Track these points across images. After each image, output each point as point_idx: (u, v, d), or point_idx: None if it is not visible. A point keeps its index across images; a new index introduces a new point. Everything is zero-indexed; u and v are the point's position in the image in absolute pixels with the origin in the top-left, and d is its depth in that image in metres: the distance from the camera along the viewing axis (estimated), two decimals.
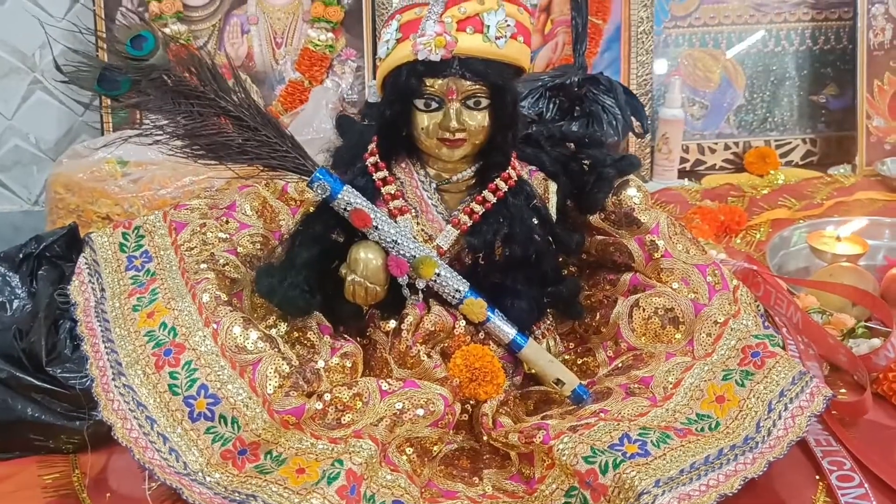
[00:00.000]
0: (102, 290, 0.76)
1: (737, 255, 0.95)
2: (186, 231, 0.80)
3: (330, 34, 1.27)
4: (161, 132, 0.67)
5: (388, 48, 0.69)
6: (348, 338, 0.73)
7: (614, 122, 1.07)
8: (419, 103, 0.69)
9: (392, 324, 0.73)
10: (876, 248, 1.05)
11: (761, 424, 0.64)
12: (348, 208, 0.69)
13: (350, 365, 0.71)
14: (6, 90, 1.40)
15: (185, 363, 0.65)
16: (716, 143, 1.38)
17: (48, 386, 0.69)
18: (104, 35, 1.09)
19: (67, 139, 1.44)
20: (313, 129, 1.09)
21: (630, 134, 1.13)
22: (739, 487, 0.59)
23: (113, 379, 0.66)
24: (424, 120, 0.69)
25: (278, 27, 1.30)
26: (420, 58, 0.66)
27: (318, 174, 0.69)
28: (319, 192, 0.69)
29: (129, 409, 0.64)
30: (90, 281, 0.77)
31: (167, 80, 0.67)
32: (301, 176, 0.70)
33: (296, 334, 0.72)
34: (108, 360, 0.67)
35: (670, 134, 1.28)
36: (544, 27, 1.29)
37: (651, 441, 0.61)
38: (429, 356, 0.70)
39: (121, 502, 0.65)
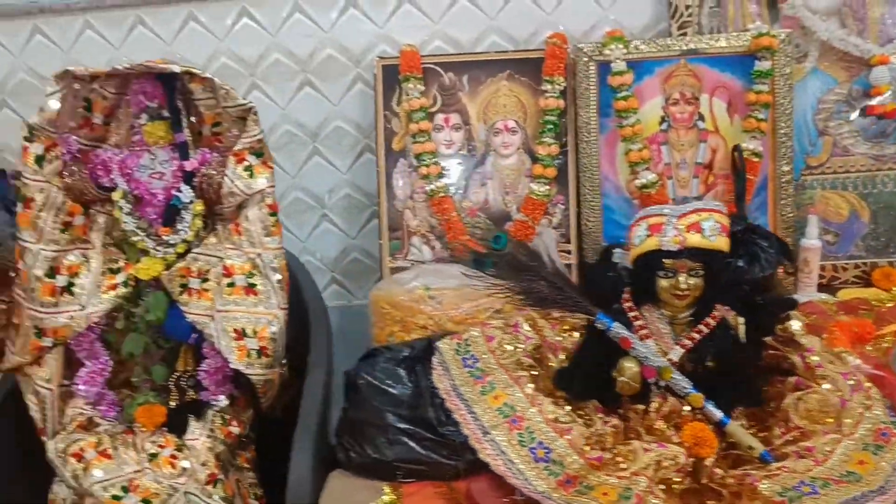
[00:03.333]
0: (452, 379, 1.24)
1: (868, 360, 1.32)
2: (495, 341, 1.27)
3: (548, 187, 1.74)
4: (510, 291, 1.15)
5: (640, 239, 1.15)
6: (612, 414, 1.17)
7: (768, 260, 1.48)
8: (660, 273, 1.14)
9: (640, 407, 1.16)
10: None
11: (889, 479, 1.03)
12: (617, 336, 1.14)
13: (612, 430, 1.15)
14: (304, 222, 1.95)
15: (526, 428, 1.11)
16: (847, 264, 1.76)
17: (437, 439, 1.16)
18: None
19: (342, 256, 1.98)
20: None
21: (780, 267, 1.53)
22: None
23: (483, 436, 1.12)
24: (664, 283, 1.14)
25: (508, 181, 1.78)
26: (664, 248, 1.12)
27: (599, 316, 1.14)
28: (600, 326, 1.14)
29: (497, 453, 1.10)
30: (444, 373, 1.25)
31: (513, 262, 1.15)
32: (587, 315, 1.15)
33: (580, 412, 1.17)
34: (474, 425, 1.14)
35: (810, 258, 1.67)
36: (707, 179, 1.72)
37: (818, 485, 1.01)
38: (668, 428, 1.13)
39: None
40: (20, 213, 1.25)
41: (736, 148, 1.51)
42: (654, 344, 1.16)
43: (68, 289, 1.28)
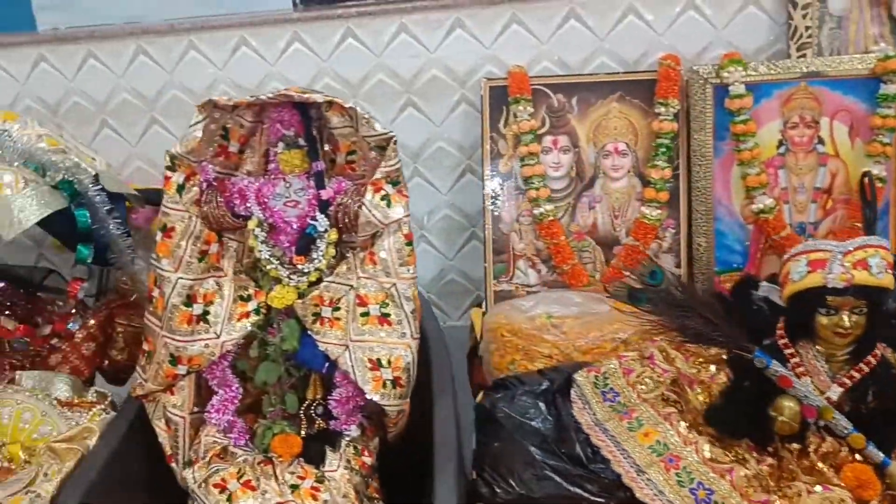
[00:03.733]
0: (594, 413, 1.21)
1: None
2: (633, 375, 1.25)
3: (660, 211, 1.71)
4: (662, 326, 1.13)
5: (800, 275, 1.12)
6: (765, 453, 1.14)
7: None
8: (821, 310, 1.11)
9: (796, 446, 1.13)
10: None
11: None
12: (776, 374, 1.11)
13: (769, 471, 1.12)
14: None
15: (683, 467, 1.08)
16: None
17: (586, 475, 1.14)
18: None
19: (439, 277, 1.97)
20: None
21: None
22: None
23: (637, 475, 1.10)
24: (824, 321, 1.11)
25: (616, 204, 1.76)
26: (829, 286, 1.09)
27: (758, 353, 1.11)
28: (759, 364, 1.11)
29: (654, 493, 1.07)
30: (584, 407, 1.23)
31: (668, 297, 1.12)
32: (743, 352, 1.12)
33: (734, 450, 1.14)
34: (625, 462, 1.12)
35: None
36: (826, 204, 1.68)
37: None
38: (827, 469, 1.10)
39: None
40: (160, 243, 1.25)
41: (866, 175, 1.47)
42: (809, 381, 1.13)
43: (203, 317, 1.28)
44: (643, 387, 1.23)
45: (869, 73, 1.60)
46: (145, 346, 1.34)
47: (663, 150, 1.70)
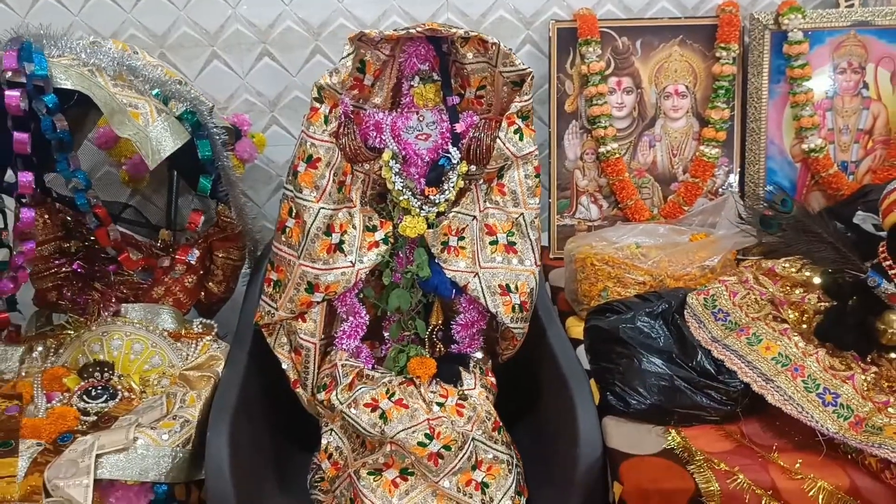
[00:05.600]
0: (709, 331, 1.33)
1: None
2: (738, 296, 1.37)
3: (717, 149, 1.83)
4: (780, 248, 1.25)
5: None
6: (866, 363, 1.29)
7: None
8: None
9: (893, 356, 1.28)
10: None
11: None
12: (885, 292, 1.25)
13: (875, 377, 1.26)
14: None
15: (808, 375, 1.22)
16: None
17: (715, 385, 1.26)
18: None
19: None
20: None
21: None
22: None
23: (766, 383, 1.22)
24: None
25: (675, 143, 1.87)
26: None
27: (870, 273, 1.25)
28: (870, 283, 1.25)
29: (784, 398, 1.20)
30: (699, 326, 1.35)
31: (798, 224, 1.24)
32: (858, 272, 1.25)
33: (843, 360, 1.28)
34: (752, 373, 1.24)
35: None
36: (867, 144, 1.84)
37: None
38: None
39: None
40: (303, 173, 1.28)
41: None
42: None
43: (339, 246, 1.32)
44: (749, 306, 1.35)
45: None
46: (273, 276, 1.37)
47: (723, 91, 1.81)
